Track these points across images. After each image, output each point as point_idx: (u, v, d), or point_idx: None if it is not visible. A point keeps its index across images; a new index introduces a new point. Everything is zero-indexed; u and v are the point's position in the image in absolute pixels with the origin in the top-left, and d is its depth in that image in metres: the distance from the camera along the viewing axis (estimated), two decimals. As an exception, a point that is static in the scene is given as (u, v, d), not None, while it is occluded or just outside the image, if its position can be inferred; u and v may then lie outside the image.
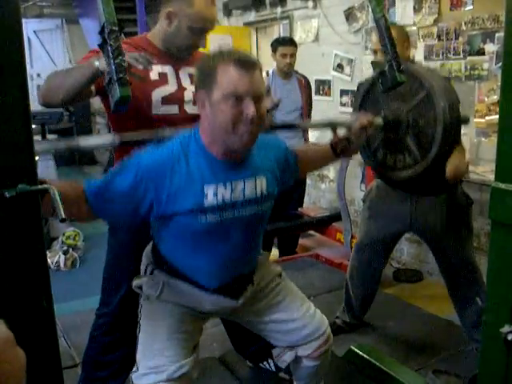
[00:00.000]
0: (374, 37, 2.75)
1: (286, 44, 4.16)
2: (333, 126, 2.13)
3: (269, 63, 5.71)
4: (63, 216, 1.12)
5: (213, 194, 1.62)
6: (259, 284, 1.92)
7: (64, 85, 1.81)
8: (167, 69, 2.10)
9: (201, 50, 2.25)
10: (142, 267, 1.84)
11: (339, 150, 2.04)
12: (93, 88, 1.92)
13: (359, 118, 2.08)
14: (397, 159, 2.29)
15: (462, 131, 3.62)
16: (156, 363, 1.71)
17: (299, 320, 1.93)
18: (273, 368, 2.58)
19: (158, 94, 2.05)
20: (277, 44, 4.18)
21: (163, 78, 2.08)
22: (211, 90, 1.55)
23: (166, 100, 2.07)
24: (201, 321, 1.90)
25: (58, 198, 1.11)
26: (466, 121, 2.29)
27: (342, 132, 2.10)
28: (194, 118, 2.17)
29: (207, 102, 1.58)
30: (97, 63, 1.66)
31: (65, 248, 4.52)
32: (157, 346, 1.74)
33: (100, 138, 1.59)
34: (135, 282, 1.82)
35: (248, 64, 1.55)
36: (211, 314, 1.94)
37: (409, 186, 2.62)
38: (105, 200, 1.59)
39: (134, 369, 1.77)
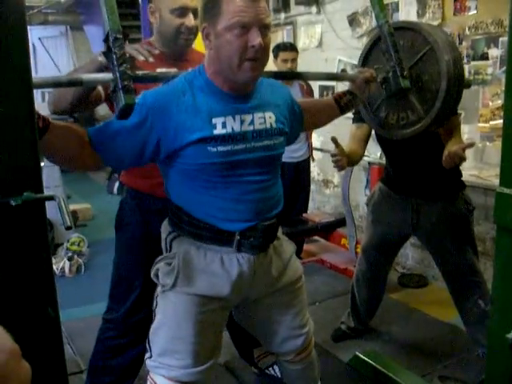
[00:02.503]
0: None
1: (286, 49, 4.17)
2: (336, 78, 2.11)
3: (273, 68, 5.73)
4: (69, 224, 1.12)
5: (222, 125, 1.58)
6: (284, 275, 1.84)
7: (70, 89, 1.79)
8: (172, 72, 2.09)
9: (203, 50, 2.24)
10: (163, 243, 1.77)
11: (343, 103, 2.02)
12: (102, 93, 1.92)
13: (362, 72, 2.06)
14: (399, 117, 2.27)
15: (466, 135, 3.64)
16: (166, 361, 1.70)
17: (298, 329, 1.92)
18: (278, 374, 2.57)
19: None
20: (278, 50, 4.19)
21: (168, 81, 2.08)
22: (216, 20, 1.52)
23: None
24: (221, 313, 1.79)
25: (63, 206, 1.12)
26: (469, 85, 2.26)
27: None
28: None
29: (212, 33, 1.54)
30: (100, 58, 1.66)
31: (70, 254, 4.52)
32: (169, 345, 1.70)
33: (105, 74, 1.49)
34: (153, 271, 1.73)
35: None
36: (229, 301, 1.78)
37: (410, 190, 2.63)
38: (107, 138, 1.54)
39: (148, 353, 1.74)
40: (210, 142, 1.57)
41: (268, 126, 1.68)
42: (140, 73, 1.63)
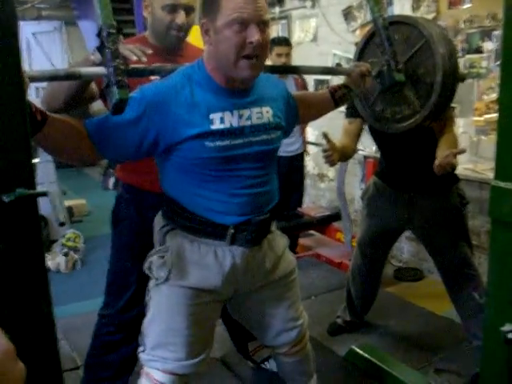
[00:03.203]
0: None
1: (281, 44, 4.17)
2: (332, 72, 2.10)
3: (267, 62, 5.71)
4: (62, 220, 1.12)
5: (220, 121, 1.59)
6: (277, 269, 1.85)
7: (64, 85, 1.79)
8: None
9: (198, 44, 2.23)
10: (156, 237, 1.78)
11: (338, 96, 2.02)
12: (96, 90, 1.92)
13: (358, 65, 2.06)
14: (395, 111, 2.28)
15: (461, 129, 3.65)
16: (160, 354, 1.71)
17: (292, 321, 1.93)
18: (274, 368, 2.58)
19: None
20: (272, 44, 4.17)
21: (163, 76, 2.07)
22: (215, 16, 1.52)
23: None
24: (213, 305, 1.80)
25: (57, 202, 1.11)
26: (463, 79, 2.27)
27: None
28: None
29: (211, 29, 1.55)
30: (92, 57, 1.66)
31: (65, 250, 4.51)
32: (162, 338, 1.72)
33: (101, 68, 1.48)
34: (145, 264, 1.74)
35: None
36: (222, 294, 1.79)
37: (404, 184, 2.63)
38: (105, 132, 1.54)
39: (141, 347, 1.77)
40: (207, 137, 1.57)
41: (265, 120, 1.69)
42: (136, 66, 1.62)
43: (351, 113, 2.58)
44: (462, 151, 2.22)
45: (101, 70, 1.47)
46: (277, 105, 1.76)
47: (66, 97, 1.83)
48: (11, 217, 1.00)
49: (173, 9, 1.98)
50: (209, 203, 1.67)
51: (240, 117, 1.63)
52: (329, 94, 2.03)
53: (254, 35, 1.51)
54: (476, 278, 2.61)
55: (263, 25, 1.54)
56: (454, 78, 2.14)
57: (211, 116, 1.58)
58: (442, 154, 2.17)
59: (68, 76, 1.50)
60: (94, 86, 1.90)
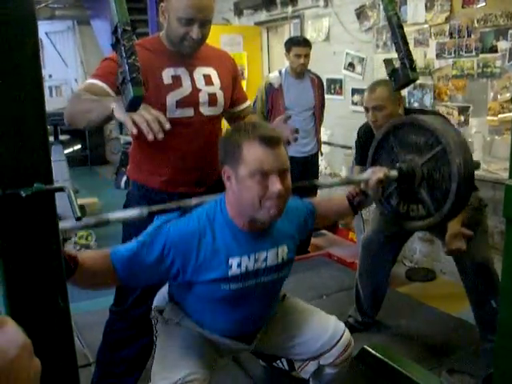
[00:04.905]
0: (367, 95, 2.69)
1: (300, 44, 4.13)
2: (351, 182, 2.15)
3: (280, 63, 5.71)
4: (79, 214, 1.13)
5: (237, 265, 1.68)
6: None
7: (84, 118, 1.82)
8: (180, 71, 2.08)
9: (211, 44, 2.22)
10: (154, 313, 1.92)
11: (356, 202, 2.04)
12: (111, 93, 1.92)
13: (375, 172, 2.05)
14: (410, 208, 2.27)
15: (475, 129, 3.63)
16: (168, 376, 1.74)
17: (311, 332, 1.99)
18: (286, 367, 2.58)
19: (172, 98, 2.03)
20: (291, 44, 4.15)
21: (177, 81, 2.06)
22: (237, 166, 1.58)
23: (180, 103, 2.05)
24: (215, 354, 1.92)
25: (73, 198, 1.12)
26: (477, 166, 2.27)
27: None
28: (210, 120, 2.16)
29: (233, 177, 1.61)
30: (113, 106, 1.62)
31: (77, 248, 4.54)
32: (170, 363, 1.78)
33: (129, 212, 1.71)
34: (157, 306, 1.90)
35: (272, 140, 1.58)
36: (226, 352, 2.00)
37: None
38: (132, 271, 1.64)
39: None
40: (223, 281, 1.67)
41: (280, 260, 1.78)
42: (159, 207, 1.73)
43: (360, 160, 2.63)
44: (470, 235, 2.42)
45: (131, 214, 1.69)
46: (294, 240, 1.86)
47: (90, 122, 1.84)
48: (29, 211, 1.01)
49: (188, 22, 1.97)
50: (215, 326, 1.84)
51: (256, 260, 1.72)
52: (346, 200, 2.05)
53: (275, 185, 1.56)
54: (495, 282, 2.58)
55: (283, 172, 1.60)
56: (469, 185, 2.11)
57: (230, 261, 1.67)
58: (451, 229, 2.34)
59: (97, 224, 1.64)
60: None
